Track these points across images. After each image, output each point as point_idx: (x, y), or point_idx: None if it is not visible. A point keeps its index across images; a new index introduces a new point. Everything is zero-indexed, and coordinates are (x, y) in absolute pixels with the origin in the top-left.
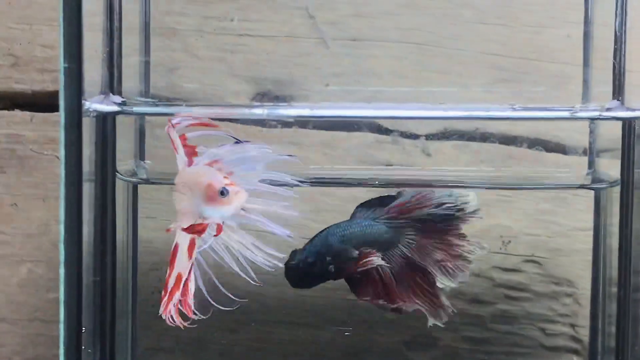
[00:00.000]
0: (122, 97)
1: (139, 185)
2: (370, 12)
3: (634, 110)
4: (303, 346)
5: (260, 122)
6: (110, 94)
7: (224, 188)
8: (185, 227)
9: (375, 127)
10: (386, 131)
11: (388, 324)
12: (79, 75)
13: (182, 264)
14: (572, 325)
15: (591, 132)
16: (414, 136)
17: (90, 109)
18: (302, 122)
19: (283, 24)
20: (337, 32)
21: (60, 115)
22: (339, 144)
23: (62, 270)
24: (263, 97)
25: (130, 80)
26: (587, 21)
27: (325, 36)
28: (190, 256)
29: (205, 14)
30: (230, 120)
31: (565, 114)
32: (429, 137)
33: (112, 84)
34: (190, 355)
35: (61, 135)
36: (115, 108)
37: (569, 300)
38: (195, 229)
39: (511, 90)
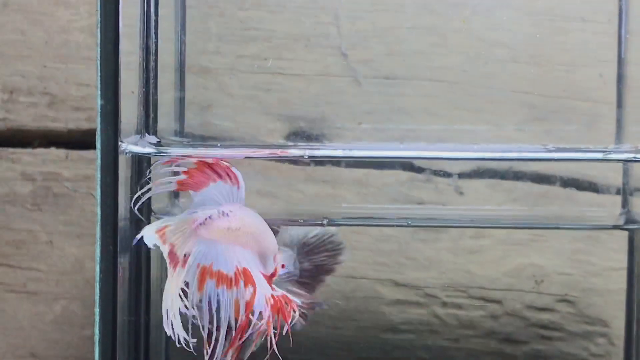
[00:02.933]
0: (157, 137)
1: None
2: (402, 51)
3: None
4: None
5: (294, 160)
6: (146, 134)
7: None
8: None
9: (408, 165)
10: (419, 169)
11: None
12: (116, 115)
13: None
14: None
15: (625, 171)
16: (447, 174)
17: (126, 150)
18: (335, 161)
19: (316, 62)
20: (369, 71)
21: (97, 155)
22: (372, 183)
23: (97, 310)
24: (296, 135)
25: (165, 118)
26: (620, 61)
27: (357, 75)
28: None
29: (239, 53)
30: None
31: (598, 155)
32: (462, 175)
33: (148, 124)
34: None
35: (97, 176)
36: (150, 150)
37: (603, 341)
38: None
39: (543, 128)
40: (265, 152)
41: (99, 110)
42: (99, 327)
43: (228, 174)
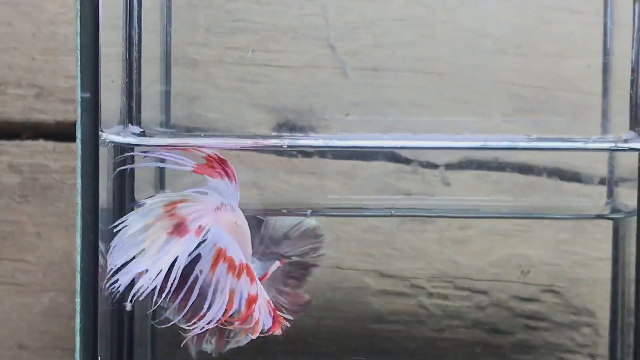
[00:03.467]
0: (141, 128)
1: None
2: (390, 43)
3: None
4: None
5: (280, 152)
6: (129, 125)
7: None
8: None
9: (394, 156)
10: (406, 161)
11: (408, 353)
12: (96, 105)
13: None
14: (592, 356)
15: (610, 162)
16: (434, 166)
17: (107, 140)
18: (322, 152)
19: (303, 54)
20: (357, 62)
21: (77, 146)
22: (358, 174)
23: (78, 299)
24: (283, 126)
25: (151, 110)
26: (605, 52)
27: (345, 66)
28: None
29: (226, 44)
30: (250, 150)
31: (581, 144)
32: (449, 166)
33: (131, 114)
34: None
35: (78, 165)
36: (131, 140)
37: (589, 331)
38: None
39: (530, 120)
40: (249, 142)
41: (79, 100)
42: (80, 317)
43: (227, 172)
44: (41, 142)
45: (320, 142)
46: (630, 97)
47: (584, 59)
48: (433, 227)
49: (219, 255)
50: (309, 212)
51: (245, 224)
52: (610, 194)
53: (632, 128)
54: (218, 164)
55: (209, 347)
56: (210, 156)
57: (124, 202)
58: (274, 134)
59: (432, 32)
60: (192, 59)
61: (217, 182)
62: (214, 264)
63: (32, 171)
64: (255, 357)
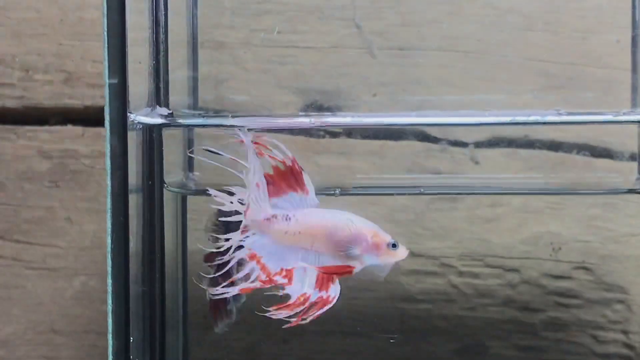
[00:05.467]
0: (169, 110)
1: (188, 197)
2: (416, 21)
3: None
4: (355, 356)
5: (308, 133)
6: (157, 107)
7: (395, 241)
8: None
9: (423, 135)
10: (434, 139)
11: (439, 332)
12: (123, 88)
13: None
14: (624, 332)
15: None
16: (463, 144)
17: (136, 121)
18: (350, 132)
19: (330, 34)
20: (383, 42)
21: (106, 128)
22: (387, 153)
23: (109, 281)
24: (311, 107)
25: (179, 93)
26: (635, 26)
27: (371, 46)
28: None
29: (252, 26)
30: (278, 131)
31: (609, 117)
32: (478, 144)
33: (159, 97)
34: None
35: (107, 148)
36: (160, 120)
37: (621, 307)
38: (347, 270)
39: (560, 96)
40: (279, 121)
41: (106, 82)
42: (112, 299)
43: (299, 184)
44: (70, 128)
45: (348, 120)
46: None
47: (613, 34)
48: (462, 205)
49: (253, 256)
50: (337, 191)
51: (309, 227)
52: None
53: None
54: (291, 176)
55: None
56: (277, 169)
57: (154, 184)
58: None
59: (458, 10)
60: (218, 41)
61: (281, 200)
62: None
63: (61, 156)
64: (285, 336)
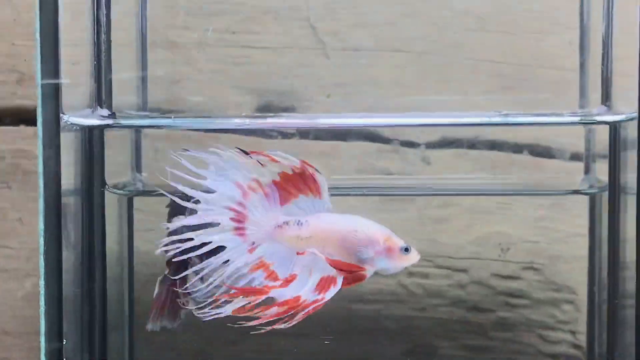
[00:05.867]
0: (110, 111)
1: (135, 198)
2: (371, 22)
3: (615, 114)
4: (304, 356)
5: (261, 133)
6: (98, 108)
7: (408, 246)
8: (344, 269)
9: (375, 136)
10: (386, 140)
11: (388, 332)
12: (56, 89)
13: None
14: (572, 332)
15: (586, 138)
16: (414, 145)
17: (69, 123)
18: (303, 133)
19: (284, 35)
20: (338, 43)
21: (38, 130)
22: (339, 154)
23: (42, 283)
24: (264, 108)
25: (128, 94)
26: (582, 28)
27: (326, 47)
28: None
29: (207, 27)
30: (231, 131)
31: (550, 119)
32: (429, 145)
33: (101, 98)
34: None
35: (39, 149)
36: (96, 121)
37: (569, 307)
38: (358, 276)
39: (512, 97)
40: (233, 122)
41: (39, 83)
42: (44, 301)
43: (310, 187)
44: (22, 128)
45: (299, 122)
46: (602, 72)
47: (566, 35)
48: (413, 206)
49: (262, 264)
50: None
51: (321, 231)
52: (587, 169)
53: (603, 102)
54: (300, 180)
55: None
56: (284, 174)
57: (92, 186)
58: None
59: (413, 11)
60: (172, 41)
61: (292, 206)
62: (255, 268)
63: (14, 157)
64: (233, 338)
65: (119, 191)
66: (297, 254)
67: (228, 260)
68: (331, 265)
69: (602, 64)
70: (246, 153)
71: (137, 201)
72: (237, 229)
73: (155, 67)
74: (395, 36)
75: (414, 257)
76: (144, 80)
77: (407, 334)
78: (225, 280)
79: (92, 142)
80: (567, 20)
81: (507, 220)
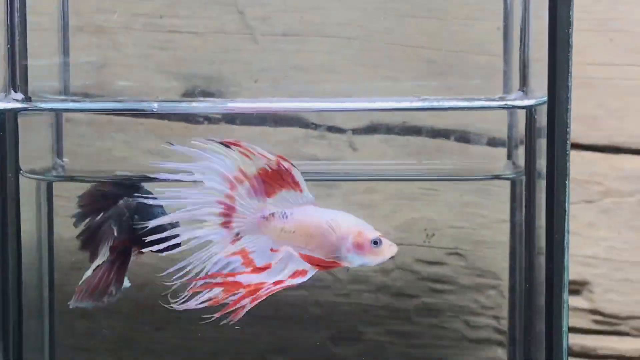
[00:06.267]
0: (25, 95)
1: (56, 184)
2: (300, 7)
3: (526, 99)
4: (229, 343)
5: (186, 118)
6: (12, 92)
7: (378, 238)
8: (321, 265)
9: (302, 122)
10: (313, 126)
11: (313, 319)
12: None
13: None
14: (496, 317)
15: (509, 123)
16: (341, 130)
17: None
18: (230, 118)
19: (212, 20)
20: (266, 28)
21: None
22: (266, 139)
23: None
24: (192, 93)
25: (50, 78)
26: (506, 14)
27: (254, 32)
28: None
29: (134, 11)
30: (157, 116)
31: (464, 103)
32: (356, 131)
33: (15, 82)
34: (115, 354)
35: None
36: (8, 105)
37: (493, 292)
38: (330, 267)
39: (441, 83)
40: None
41: None
42: None
43: (288, 182)
44: None
45: (221, 106)
46: (520, 57)
47: (494, 22)
48: (338, 192)
49: (242, 251)
50: None
51: (303, 226)
52: (509, 155)
53: (520, 88)
54: (278, 176)
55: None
56: (264, 170)
57: (5, 171)
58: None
59: None
60: (98, 26)
61: (277, 198)
62: (232, 254)
63: None
64: (158, 324)
65: (34, 176)
66: (271, 250)
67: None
68: (306, 262)
69: (520, 49)
70: (228, 145)
71: (59, 187)
72: (224, 222)
73: (80, 52)
74: (324, 21)
75: (387, 250)
76: (66, 64)
77: (332, 320)
78: (202, 266)
79: (4, 126)
80: (496, 6)
81: (433, 206)
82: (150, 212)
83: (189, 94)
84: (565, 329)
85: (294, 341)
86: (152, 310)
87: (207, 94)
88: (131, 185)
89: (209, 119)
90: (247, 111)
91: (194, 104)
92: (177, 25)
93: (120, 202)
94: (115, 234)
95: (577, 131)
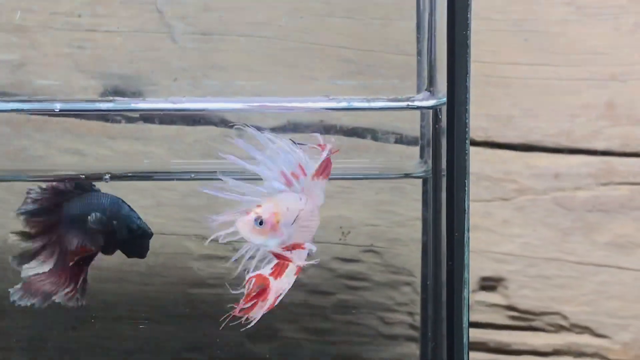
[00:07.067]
0: None
1: None
2: (219, 6)
3: (430, 100)
4: (145, 341)
5: (103, 117)
6: None
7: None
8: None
9: (220, 120)
10: (231, 125)
11: (230, 317)
12: None
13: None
14: (411, 314)
15: (421, 122)
16: (259, 129)
17: None
18: (147, 117)
19: (131, 19)
20: (185, 27)
21: None
22: (183, 139)
23: None
24: (111, 92)
25: None
26: (419, 13)
27: (173, 31)
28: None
29: (52, 10)
30: (75, 115)
31: (370, 104)
32: (274, 130)
33: None
34: (28, 353)
35: None
36: None
37: (408, 289)
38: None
39: (359, 82)
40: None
41: None
42: None
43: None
44: None
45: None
46: (427, 57)
47: (411, 21)
48: None
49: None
50: (107, 177)
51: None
52: (421, 153)
53: (427, 88)
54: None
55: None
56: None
57: None
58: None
59: None
60: (17, 24)
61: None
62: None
63: None
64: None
65: None
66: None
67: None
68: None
69: (427, 49)
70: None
71: None
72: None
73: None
74: (243, 20)
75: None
76: None
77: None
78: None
79: None
80: (412, 5)
81: (349, 204)
82: (129, 217)
83: (107, 93)
84: (465, 325)
85: (211, 339)
86: (67, 309)
87: (124, 92)
88: (82, 186)
89: (126, 118)
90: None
91: (99, 105)
92: (96, 24)
93: (91, 205)
94: (86, 240)
95: (493, 130)
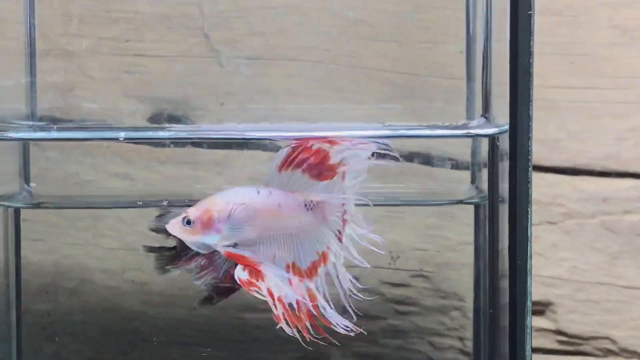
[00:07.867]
0: None
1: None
2: (265, 31)
3: (490, 127)
4: None
5: (153, 142)
6: None
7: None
8: None
9: (268, 145)
10: (277, 149)
11: (280, 341)
12: None
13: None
14: (461, 339)
15: (472, 147)
16: None
17: None
18: (197, 142)
19: (178, 43)
20: (232, 51)
21: None
22: (232, 163)
23: None
24: (158, 117)
25: (16, 103)
26: (469, 37)
27: (220, 55)
28: None
29: (100, 35)
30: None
31: (428, 132)
32: None
33: None
34: None
35: None
36: None
37: (457, 314)
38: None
39: (405, 106)
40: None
41: None
42: None
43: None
44: None
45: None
46: (482, 83)
47: (457, 45)
48: None
49: None
50: (165, 202)
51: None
52: (473, 179)
53: (483, 114)
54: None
55: None
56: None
57: None
58: (149, 124)
59: (307, 20)
60: (65, 49)
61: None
62: None
63: None
64: (124, 348)
65: (2, 203)
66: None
67: None
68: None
69: (483, 75)
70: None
71: (27, 211)
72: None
73: (47, 76)
74: (288, 45)
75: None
76: (33, 88)
77: (298, 342)
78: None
79: None
80: (458, 30)
81: (398, 228)
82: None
83: (155, 117)
84: (528, 353)
85: None
86: (119, 334)
87: (173, 117)
88: None
89: (175, 142)
90: (211, 138)
91: (160, 133)
92: (143, 49)
93: None
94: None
95: (540, 153)
